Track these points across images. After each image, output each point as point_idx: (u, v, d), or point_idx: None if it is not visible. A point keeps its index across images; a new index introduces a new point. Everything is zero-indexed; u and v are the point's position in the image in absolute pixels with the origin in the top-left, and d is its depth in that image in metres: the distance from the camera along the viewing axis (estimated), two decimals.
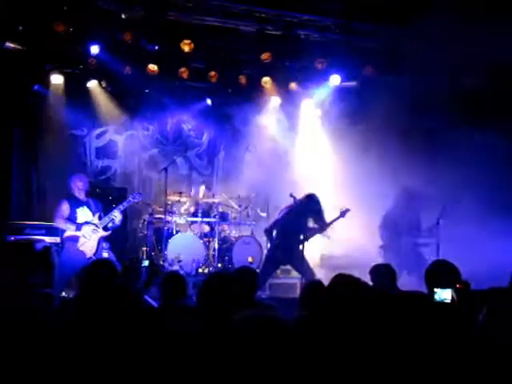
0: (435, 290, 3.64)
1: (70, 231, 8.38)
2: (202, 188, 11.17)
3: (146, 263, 5.60)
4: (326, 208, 8.52)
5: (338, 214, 8.53)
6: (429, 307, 3.43)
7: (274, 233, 8.46)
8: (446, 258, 4.94)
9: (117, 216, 8.59)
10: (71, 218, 8.40)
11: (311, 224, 8.40)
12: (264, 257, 8.90)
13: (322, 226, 8.36)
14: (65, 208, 8.43)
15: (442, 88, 9.07)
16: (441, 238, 8.48)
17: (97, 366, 2.76)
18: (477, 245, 8.48)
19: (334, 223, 8.48)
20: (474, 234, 8.69)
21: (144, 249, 10.36)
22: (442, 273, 4.41)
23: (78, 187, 8.56)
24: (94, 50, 9.85)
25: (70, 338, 2.64)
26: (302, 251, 8.23)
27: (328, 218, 8.45)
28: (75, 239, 8.39)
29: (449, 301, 3.58)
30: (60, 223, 8.42)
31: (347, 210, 8.55)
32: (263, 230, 8.86)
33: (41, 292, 4.43)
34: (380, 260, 8.07)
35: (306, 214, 8.36)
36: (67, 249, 8.38)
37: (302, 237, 8.27)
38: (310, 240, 8.39)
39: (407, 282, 7.44)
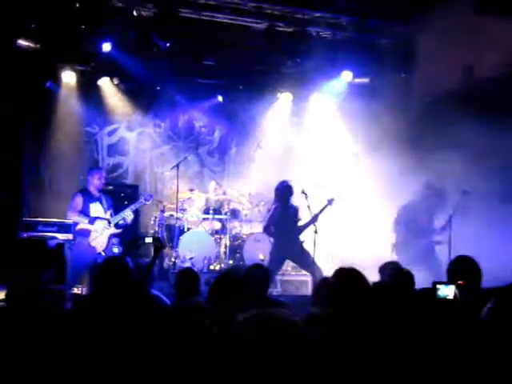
0: (438, 286, 3.63)
1: (83, 224, 8.46)
2: (212, 184, 11.17)
3: (149, 240, 5.60)
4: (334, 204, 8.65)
5: (325, 202, 8.71)
6: (431, 303, 3.43)
7: (272, 229, 8.62)
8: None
9: (128, 215, 8.70)
10: (84, 212, 8.47)
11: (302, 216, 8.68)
12: (269, 254, 8.94)
13: (313, 217, 8.49)
14: (78, 201, 8.51)
15: (456, 83, 9.02)
16: (454, 236, 8.44)
17: (111, 362, 2.76)
18: (490, 243, 8.41)
19: (324, 212, 8.62)
20: (487, 232, 8.63)
21: None
22: (463, 269, 4.39)
23: (95, 183, 8.64)
24: (106, 47, 9.86)
25: (87, 336, 2.65)
26: (302, 244, 8.50)
27: (316, 208, 8.62)
28: (87, 233, 8.48)
29: (451, 297, 3.56)
30: (73, 216, 8.49)
31: (333, 199, 8.73)
32: (262, 230, 9.00)
33: (54, 289, 4.46)
34: (394, 257, 8.06)
35: (294, 208, 8.64)
36: (78, 243, 8.47)
37: (297, 229, 8.53)
38: (304, 231, 8.58)
39: (418, 279, 7.39)
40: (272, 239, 8.92)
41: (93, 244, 8.49)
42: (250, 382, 1.86)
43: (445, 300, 3.58)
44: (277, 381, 1.85)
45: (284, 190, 8.63)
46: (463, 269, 4.44)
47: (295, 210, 8.70)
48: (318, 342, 2.71)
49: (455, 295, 3.59)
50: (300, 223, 8.67)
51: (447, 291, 3.61)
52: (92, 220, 8.50)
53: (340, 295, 3.29)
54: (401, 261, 7.78)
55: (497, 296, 2.74)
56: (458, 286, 3.66)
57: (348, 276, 3.43)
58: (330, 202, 8.72)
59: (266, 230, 8.82)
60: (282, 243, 8.57)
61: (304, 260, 8.52)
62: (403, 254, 8.60)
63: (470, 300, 3.63)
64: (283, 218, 8.58)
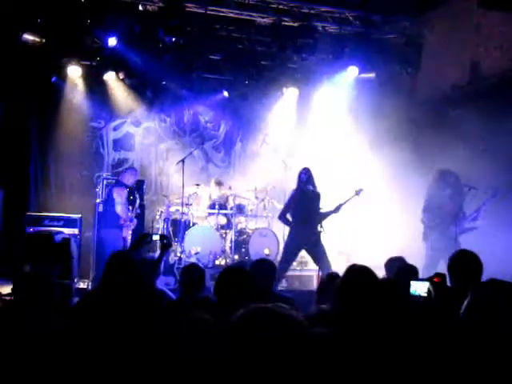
0: (411, 283, 3.57)
1: (124, 221, 8.89)
2: (212, 183, 11.12)
3: (156, 237, 5.66)
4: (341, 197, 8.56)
5: (352, 193, 8.57)
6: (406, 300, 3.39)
7: (289, 216, 8.54)
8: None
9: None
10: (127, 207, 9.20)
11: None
12: (284, 244, 8.87)
13: (336, 207, 8.46)
14: (125, 196, 8.98)
15: (462, 79, 8.98)
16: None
17: (115, 356, 2.76)
18: (498, 239, 8.32)
19: (348, 203, 8.53)
20: (495, 227, 8.53)
21: None
22: (463, 264, 4.33)
23: (130, 180, 9.40)
24: (111, 41, 9.85)
25: (92, 330, 2.66)
26: (319, 235, 8.33)
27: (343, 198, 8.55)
28: (122, 227, 9.16)
29: (425, 294, 3.50)
30: (123, 211, 9.06)
31: (361, 190, 8.58)
32: (278, 217, 8.91)
33: (61, 283, 4.48)
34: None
35: (315, 194, 8.49)
36: (118, 233, 9.10)
37: (316, 217, 8.37)
38: (325, 219, 8.45)
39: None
40: (288, 228, 8.69)
41: (128, 237, 9.21)
42: (248, 377, 1.85)
43: (419, 297, 3.52)
44: (275, 377, 1.83)
45: (302, 176, 8.49)
46: (463, 263, 4.37)
47: (316, 197, 8.52)
48: (321, 339, 2.69)
49: (429, 293, 3.53)
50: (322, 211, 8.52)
51: (421, 288, 3.54)
52: (132, 219, 9.29)
53: (349, 293, 3.26)
54: (429, 249, 7.75)
55: (473, 292, 2.70)
56: (432, 284, 3.61)
57: (359, 274, 3.40)
58: (357, 192, 8.56)
59: (280, 218, 8.68)
60: (299, 230, 8.37)
61: (318, 252, 8.34)
62: (432, 243, 8.42)
63: (447, 297, 3.57)
64: (301, 204, 8.41)
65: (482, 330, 2.53)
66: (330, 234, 8.53)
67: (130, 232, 9.38)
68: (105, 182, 10.29)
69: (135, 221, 9.47)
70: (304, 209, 8.39)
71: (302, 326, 1.93)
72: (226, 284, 3.91)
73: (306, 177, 8.47)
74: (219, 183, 11.01)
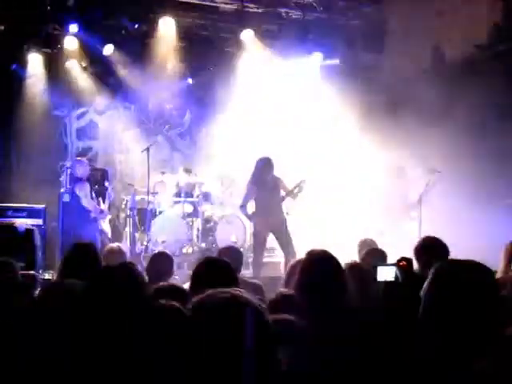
0: (378, 268, 3.57)
1: (94, 214, 8.76)
2: (181, 170, 11.06)
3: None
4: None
5: (297, 181, 8.50)
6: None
7: (250, 206, 8.52)
8: (431, 232, 4.93)
9: None
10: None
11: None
12: (252, 235, 8.87)
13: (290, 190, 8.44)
14: (87, 190, 8.76)
15: (426, 63, 9.06)
16: (428, 212, 8.44)
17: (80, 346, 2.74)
18: (461, 225, 8.45)
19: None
20: (458, 213, 8.65)
21: (127, 229, 10.34)
22: (429, 250, 4.39)
23: (81, 171, 8.96)
24: (73, 28, 9.69)
25: (55, 322, 2.63)
26: (285, 220, 8.38)
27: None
28: (97, 220, 8.90)
29: (392, 279, 3.52)
30: (90, 204, 8.77)
31: (302, 181, 8.47)
32: (239, 207, 8.88)
33: (25, 274, 4.42)
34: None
35: (273, 181, 8.47)
36: (95, 227, 8.81)
37: (278, 202, 8.39)
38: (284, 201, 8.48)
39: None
40: (249, 219, 8.76)
41: (105, 230, 9.07)
42: (203, 364, 1.84)
43: (385, 282, 3.53)
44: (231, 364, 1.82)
45: (259, 166, 8.46)
46: (429, 249, 4.44)
47: (275, 183, 8.47)
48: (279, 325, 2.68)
49: (396, 277, 3.55)
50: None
51: (387, 273, 3.56)
52: (105, 212, 9.07)
53: (309, 276, 3.28)
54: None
55: (431, 273, 2.74)
56: (398, 268, 3.63)
57: (318, 258, 3.41)
58: (298, 187, 8.43)
59: (241, 208, 8.68)
60: (263, 217, 8.35)
61: (283, 237, 8.39)
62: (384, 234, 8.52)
63: (414, 281, 3.60)
64: (262, 194, 8.38)
65: (439, 308, 2.56)
66: (300, 225, 8.56)
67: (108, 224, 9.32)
68: (69, 171, 10.16)
69: (108, 214, 9.40)
70: (265, 198, 8.37)
71: (260, 311, 1.91)
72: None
73: (263, 166, 8.44)
74: (188, 171, 10.98)
